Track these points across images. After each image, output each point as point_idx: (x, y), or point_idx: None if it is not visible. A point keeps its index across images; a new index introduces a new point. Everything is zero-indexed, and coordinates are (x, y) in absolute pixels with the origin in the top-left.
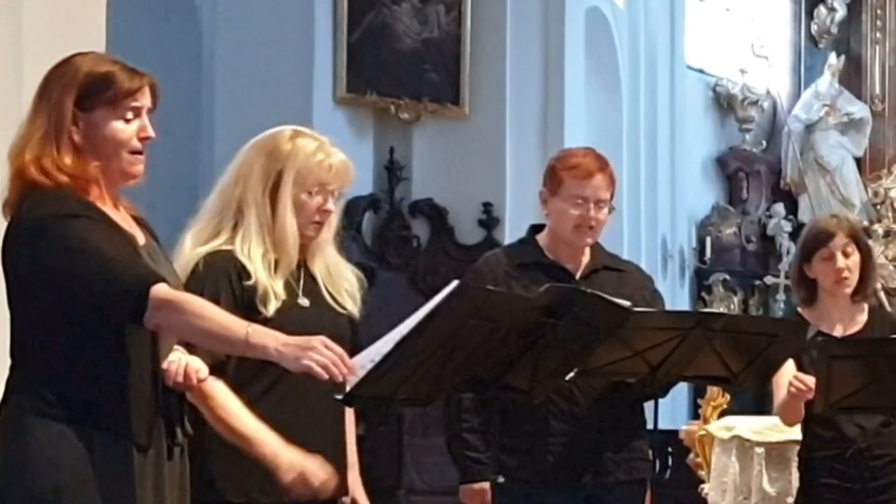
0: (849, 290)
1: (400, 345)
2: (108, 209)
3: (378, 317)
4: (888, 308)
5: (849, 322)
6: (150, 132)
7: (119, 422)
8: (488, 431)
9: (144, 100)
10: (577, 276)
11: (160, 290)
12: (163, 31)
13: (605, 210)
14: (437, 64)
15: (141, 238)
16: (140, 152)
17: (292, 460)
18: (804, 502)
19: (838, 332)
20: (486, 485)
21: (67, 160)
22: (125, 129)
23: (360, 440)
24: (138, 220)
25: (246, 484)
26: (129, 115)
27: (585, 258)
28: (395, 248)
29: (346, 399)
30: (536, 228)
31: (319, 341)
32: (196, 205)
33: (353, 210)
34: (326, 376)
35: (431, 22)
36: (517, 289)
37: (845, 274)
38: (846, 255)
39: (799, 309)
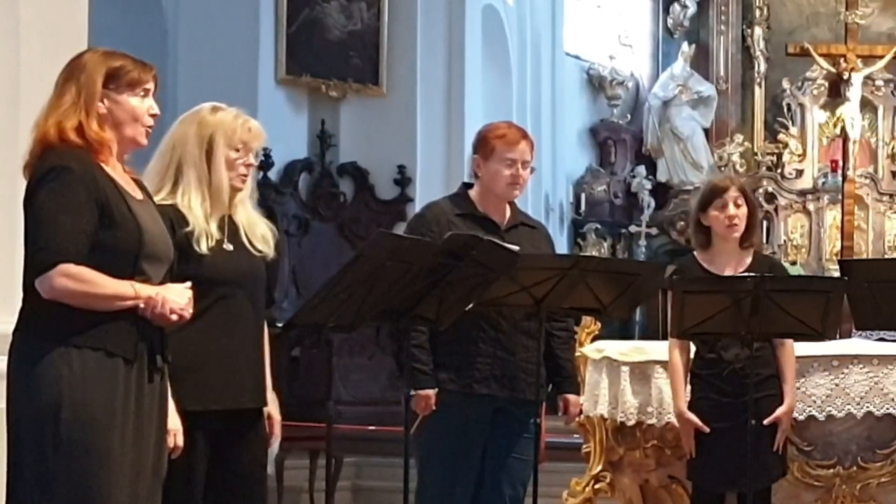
0: (737, 235)
1: (330, 282)
2: (112, 170)
3: (312, 258)
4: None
5: (736, 264)
6: (157, 110)
7: (108, 341)
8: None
9: (151, 85)
10: (503, 227)
11: (67, 267)
12: (134, 25)
13: (528, 170)
14: (360, 51)
15: (139, 194)
16: (149, 126)
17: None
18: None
19: (728, 271)
20: (431, 392)
21: (94, 126)
22: (141, 106)
23: (295, 360)
24: (138, 182)
25: (201, 393)
26: (142, 94)
27: (508, 214)
28: (325, 203)
29: (285, 326)
30: (467, 186)
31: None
32: None
33: (290, 171)
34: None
35: (356, 17)
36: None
37: (736, 221)
38: (737, 205)
39: (695, 252)
